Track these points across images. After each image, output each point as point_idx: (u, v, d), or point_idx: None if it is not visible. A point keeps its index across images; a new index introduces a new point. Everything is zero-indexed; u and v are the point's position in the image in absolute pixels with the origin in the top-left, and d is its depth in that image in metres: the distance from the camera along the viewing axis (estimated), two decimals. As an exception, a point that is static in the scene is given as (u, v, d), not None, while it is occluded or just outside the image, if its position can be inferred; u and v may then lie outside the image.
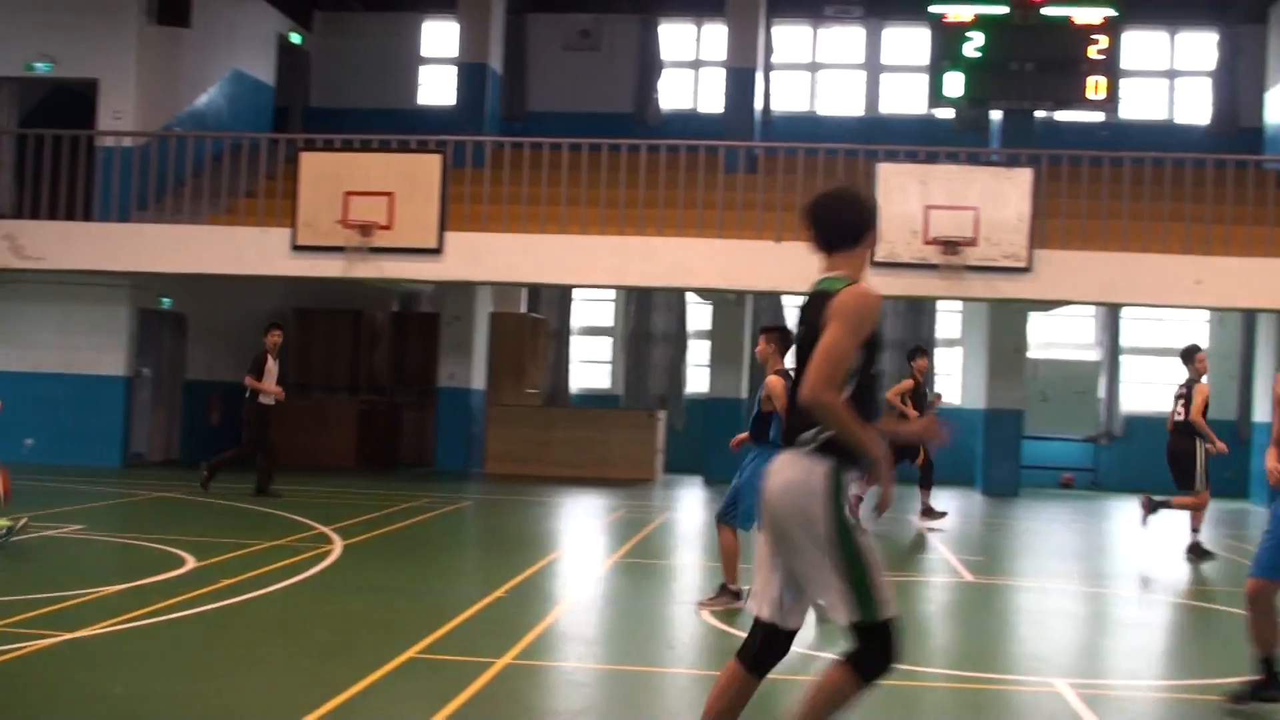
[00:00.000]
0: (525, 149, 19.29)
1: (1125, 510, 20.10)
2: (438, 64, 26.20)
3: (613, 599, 10.22)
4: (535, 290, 24.26)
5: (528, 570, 11.08)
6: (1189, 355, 13.80)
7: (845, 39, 25.28)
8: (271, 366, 16.35)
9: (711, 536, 14.78)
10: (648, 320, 24.50)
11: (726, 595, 9.60)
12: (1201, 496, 13.58)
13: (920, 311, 23.84)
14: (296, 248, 18.43)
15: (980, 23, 20.07)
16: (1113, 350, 24.14)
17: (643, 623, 9.33)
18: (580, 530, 15.39)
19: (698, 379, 24.32)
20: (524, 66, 25.19)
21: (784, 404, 8.45)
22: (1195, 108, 24.70)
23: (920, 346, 17.32)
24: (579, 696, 7.18)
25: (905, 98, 24.87)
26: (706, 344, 22.70)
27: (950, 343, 24.73)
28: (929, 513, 15.93)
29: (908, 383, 16.09)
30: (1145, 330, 24.62)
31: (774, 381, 9.11)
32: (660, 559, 12.82)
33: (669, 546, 13.91)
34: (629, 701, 7.14)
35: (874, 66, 25.10)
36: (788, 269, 18.33)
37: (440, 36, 26.11)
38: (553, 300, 24.79)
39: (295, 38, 25.39)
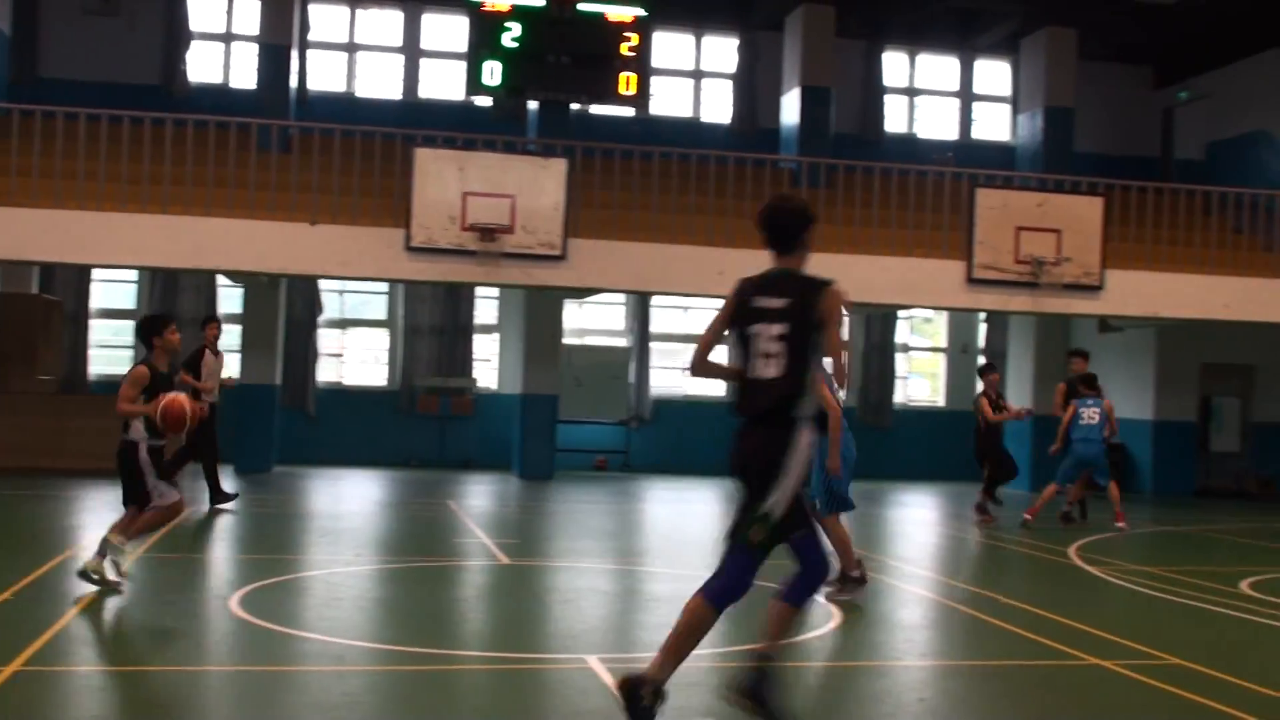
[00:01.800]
0: (37, 117, 17.89)
1: (655, 490, 20.95)
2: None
3: (134, 597, 9.60)
4: (49, 270, 22.57)
5: (37, 571, 10.26)
6: (982, 371, 17.22)
7: (384, 21, 24.97)
8: (211, 361, 15.50)
9: (242, 527, 14.27)
10: (173, 303, 23.25)
11: (851, 583, 10.25)
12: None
13: (458, 297, 23.91)
14: None
15: (517, 13, 20.30)
16: (643, 337, 25.07)
17: (165, 620, 8.81)
18: (99, 526, 14.42)
19: (229, 365, 23.40)
20: (36, 29, 23.38)
21: (832, 400, 9.91)
22: (719, 107, 26.00)
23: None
24: (93, 703, 6.67)
25: (444, 84, 24.86)
26: (238, 329, 21.89)
27: (488, 329, 24.96)
28: None
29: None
30: (673, 318, 25.76)
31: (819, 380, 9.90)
32: (190, 553, 12.19)
33: (200, 540, 13.26)
34: (149, 705, 6.71)
35: (413, 51, 24.93)
36: (323, 251, 17.93)
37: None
38: (69, 281, 23.15)
39: None
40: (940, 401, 27.06)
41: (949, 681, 7.93)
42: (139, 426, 9.65)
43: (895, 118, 26.73)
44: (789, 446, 5.93)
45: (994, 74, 27.42)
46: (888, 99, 26.39)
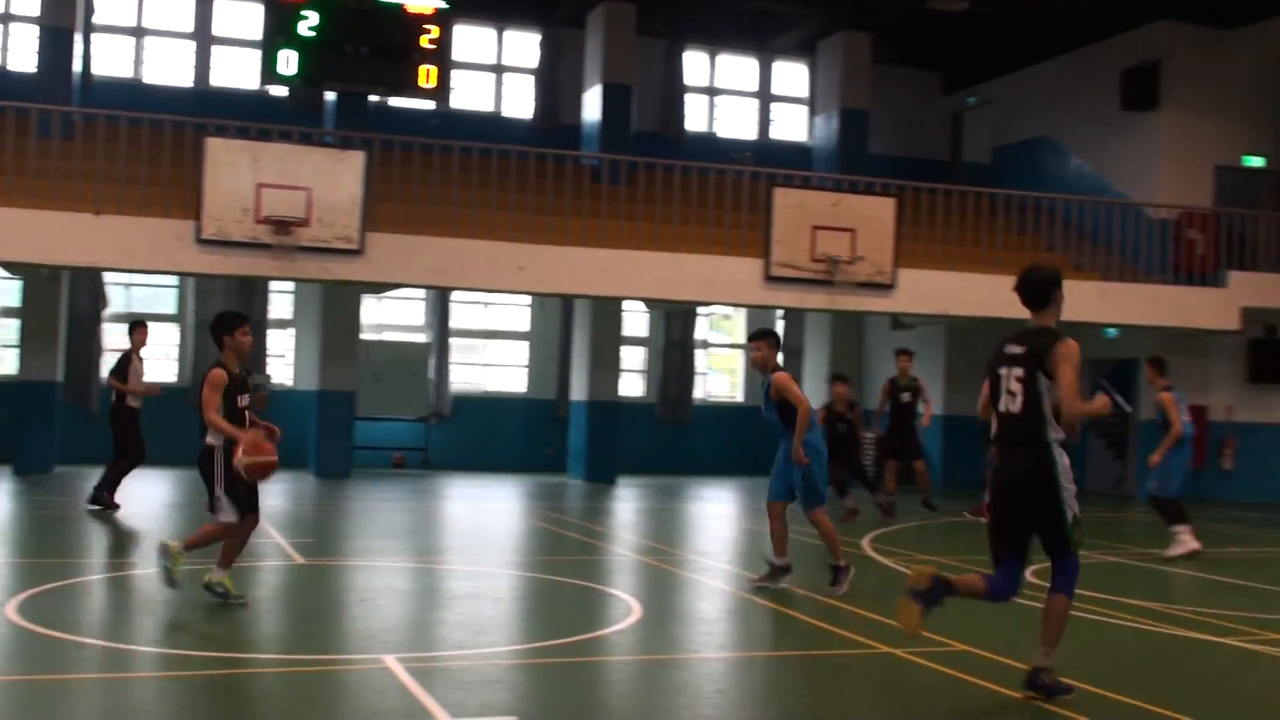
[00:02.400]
0: None
1: (454, 488, 20.76)
2: None
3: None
4: None
5: None
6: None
7: (173, 6, 24.18)
8: (138, 366, 14.99)
9: (20, 529, 13.65)
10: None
11: (843, 574, 10.51)
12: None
13: (252, 291, 23.32)
14: None
15: (314, 2, 19.83)
16: (443, 333, 24.82)
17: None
18: None
19: (6, 360, 22.42)
20: None
21: (800, 394, 10.35)
22: (520, 103, 25.90)
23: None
24: None
25: (238, 72, 24.21)
26: (16, 323, 20.95)
27: (283, 323, 24.40)
28: None
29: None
30: (472, 313, 25.56)
31: (786, 378, 10.40)
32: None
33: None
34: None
35: (205, 37, 24.20)
36: (107, 243, 17.26)
37: None
38: None
39: None
40: (739, 397, 27.44)
41: (746, 672, 8.01)
42: (216, 433, 9.15)
43: (695, 117, 27.01)
44: (1053, 465, 7.14)
45: (792, 76, 27.93)
46: (688, 98, 26.65)
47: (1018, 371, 7.23)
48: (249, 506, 9.24)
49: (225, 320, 9.51)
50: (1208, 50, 23.56)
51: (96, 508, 14.99)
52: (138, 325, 15.81)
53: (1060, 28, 24.50)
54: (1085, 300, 20.88)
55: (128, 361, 15.31)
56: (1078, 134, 25.11)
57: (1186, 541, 13.74)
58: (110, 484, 15.20)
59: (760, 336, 10.63)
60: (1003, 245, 22.03)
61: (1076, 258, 22.62)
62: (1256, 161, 23.66)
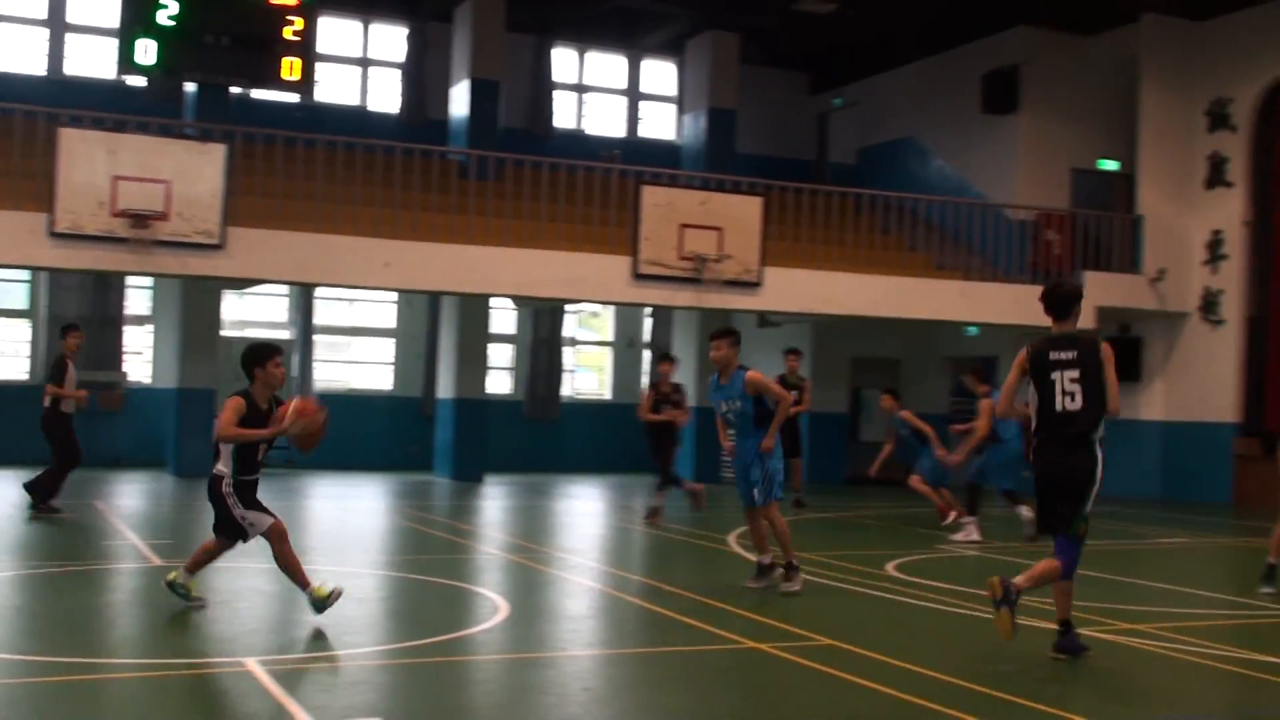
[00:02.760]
0: None
1: (318, 487, 20.45)
2: None
3: None
4: None
5: None
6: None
7: (25, -7, 23.46)
8: (72, 372, 14.33)
9: None
10: None
11: (795, 572, 10.50)
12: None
13: (108, 287, 22.72)
14: None
15: (174, -10, 19.38)
16: (306, 329, 24.44)
17: None
18: None
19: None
20: None
21: (780, 391, 10.57)
22: (387, 97, 25.60)
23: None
24: None
25: (94, 61, 23.56)
26: None
27: (141, 320, 23.82)
28: None
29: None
30: (337, 310, 25.22)
31: (760, 375, 10.55)
32: None
33: None
34: None
35: (59, 24, 23.51)
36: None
37: None
38: None
39: None
40: (607, 395, 27.46)
41: (613, 669, 8.00)
42: (226, 460, 8.74)
43: (564, 114, 26.96)
44: (1097, 462, 8.20)
45: (660, 74, 28.02)
46: (557, 95, 26.58)
47: (1072, 374, 8.13)
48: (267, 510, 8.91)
49: (257, 352, 8.92)
50: (1065, 56, 24.16)
51: (41, 513, 14.53)
52: (70, 329, 15.24)
53: (924, 32, 24.93)
54: (947, 299, 21.31)
55: (64, 367, 14.69)
56: (940, 136, 25.57)
57: (971, 532, 14.96)
58: (48, 490, 14.70)
59: (722, 335, 10.60)
60: (867, 245, 22.35)
61: (939, 257, 23.05)
62: (1110, 165, 24.32)
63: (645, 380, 26.51)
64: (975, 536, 14.97)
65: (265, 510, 8.89)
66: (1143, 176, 23.03)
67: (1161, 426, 23.09)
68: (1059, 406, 8.12)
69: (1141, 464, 23.10)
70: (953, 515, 15.96)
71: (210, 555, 9.10)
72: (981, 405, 15.08)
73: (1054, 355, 8.22)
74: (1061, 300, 8.50)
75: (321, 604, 8.68)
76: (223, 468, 8.77)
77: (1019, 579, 7.90)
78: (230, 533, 8.88)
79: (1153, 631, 9.34)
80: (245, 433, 8.65)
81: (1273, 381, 21.84)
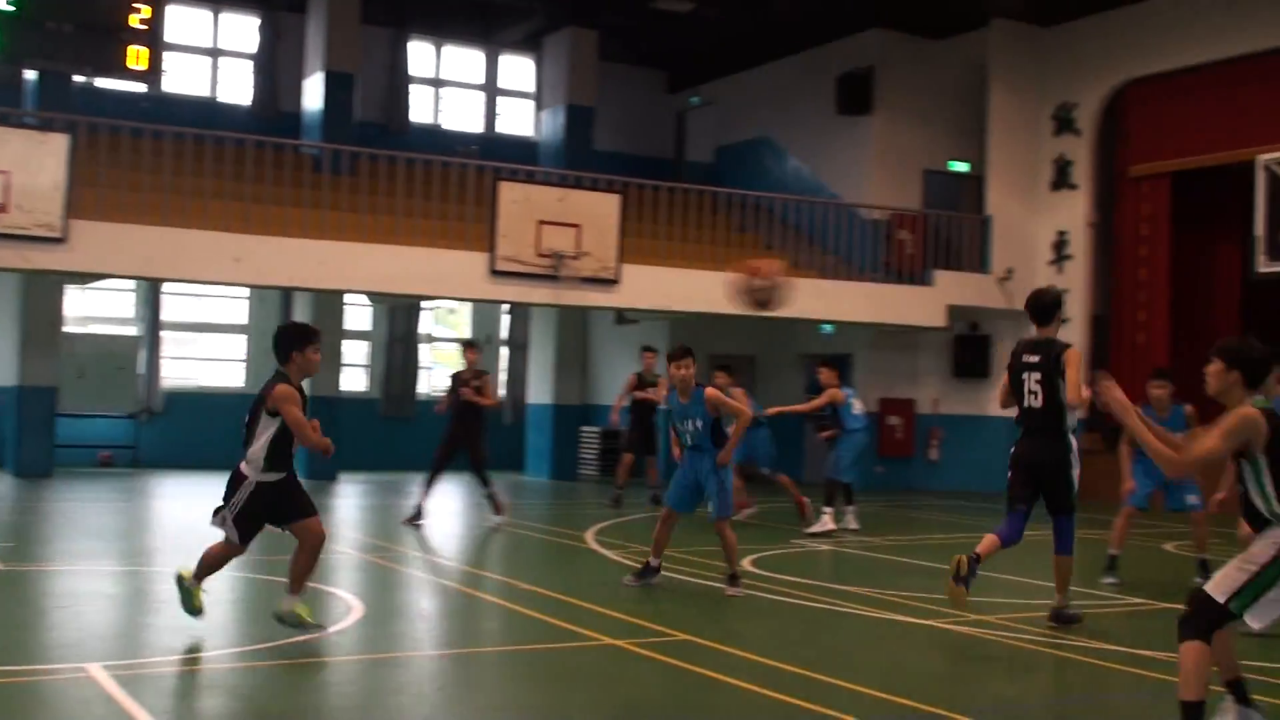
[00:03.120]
0: None
1: (165, 486, 19.97)
2: None
3: None
4: None
5: None
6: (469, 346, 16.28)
7: None
8: None
9: None
10: None
11: (737, 581, 10.44)
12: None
13: (-56, 281, 21.89)
14: None
15: (15, -25, 18.71)
16: (154, 325, 23.82)
17: None
18: None
19: None
20: None
21: (737, 406, 10.79)
22: (238, 88, 25.08)
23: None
24: None
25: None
26: None
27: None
28: None
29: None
30: (186, 305, 24.63)
31: (717, 392, 10.67)
32: None
33: None
34: None
35: (-110, 8, 22.56)
36: None
37: None
38: None
39: None
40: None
41: (469, 668, 7.92)
42: (258, 460, 8.09)
43: (421, 108, 26.68)
44: (1068, 449, 9.23)
45: (518, 70, 27.89)
46: (413, 89, 26.29)
47: (1036, 375, 9.19)
48: (249, 537, 8.25)
49: (296, 333, 8.18)
50: (917, 59, 24.60)
51: None
52: None
53: (780, 32, 25.17)
54: (803, 297, 21.44)
55: None
56: (796, 136, 25.86)
57: (826, 522, 15.39)
58: None
59: (685, 354, 10.54)
60: (724, 243, 22.49)
61: (794, 256, 23.29)
62: (961, 166, 24.83)
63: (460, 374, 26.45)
64: (829, 526, 15.26)
65: (255, 531, 8.20)
66: (991, 178, 23.55)
67: (1009, 422, 23.50)
68: (1026, 403, 9.25)
69: (992, 459, 23.53)
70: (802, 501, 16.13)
71: (221, 560, 8.41)
72: (828, 391, 15.52)
73: (1025, 359, 9.30)
74: (1043, 308, 9.47)
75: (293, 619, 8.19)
76: (249, 471, 8.15)
77: (980, 548, 9.01)
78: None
79: (1000, 622, 9.54)
80: (316, 437, 8.03)
81: (1115, 378, 22.47)
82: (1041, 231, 23.47)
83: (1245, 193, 17.77)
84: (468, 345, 16.68)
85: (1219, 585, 5.96)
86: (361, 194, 20.34)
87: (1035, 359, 9.21)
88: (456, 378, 16.15)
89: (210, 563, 8.35)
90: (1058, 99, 23.28)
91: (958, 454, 23.90)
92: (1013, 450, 9.46)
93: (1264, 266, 16.62)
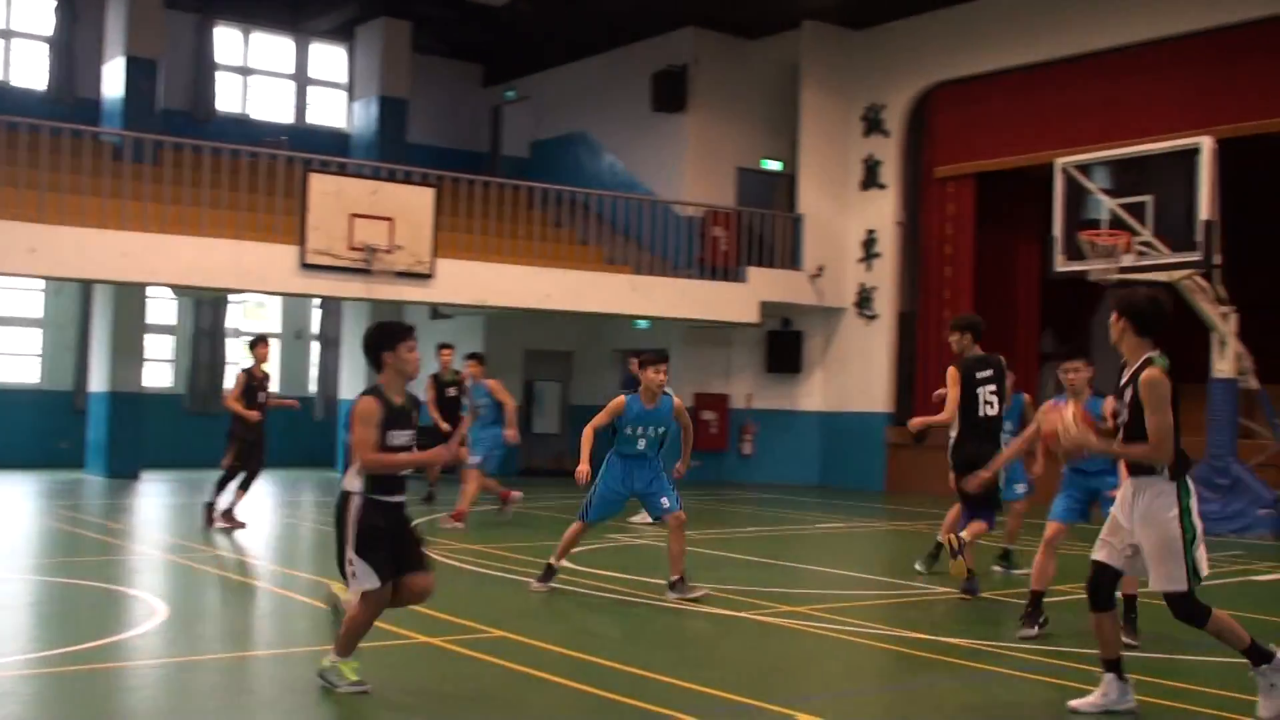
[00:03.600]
0: None
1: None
2: None
3: None
4: None
5: None
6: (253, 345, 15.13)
7: None
8: None
9: None
10: None
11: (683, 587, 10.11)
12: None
13: None
14: None
15: None
16: (-58, 320, 22.76)
17: None
18: None
19: None
20: None
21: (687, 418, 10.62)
22: (33, 72, 24.08)
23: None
24: None
25: None
26: None
27: None
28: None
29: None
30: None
31: (680, 404, 10.45)
32: None
33: None
34: None
35: None
36: None
37: None
38: None
39: None
40: (273, 387, 26.62)
41: (280, 670, 7.70)
42: (356, 473, 6.77)
43: (228, 97, 25.98)
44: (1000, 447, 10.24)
45: (330, 59, 27.38)
46: (220, 76, 25.58)
47: (992, 388, 10.47)
48: (395, 568, 6.86)
49: (382, 333, 6.98)
50: (731, 58, 24.87)
51: None
52: None
53: (596, 28, 25.20)
54: (618, 293, 21.59)
55: None
56: (611, 132, 25.91)
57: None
58: None
59: (664, 360, 10.23)
60: (540, 238, 22.41)
61: (609, 251, 23.35)
62: (774, 165, 25.20)
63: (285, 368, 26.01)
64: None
65: (388, 564, 6.81)
66: (803, 177, 23.95)
67: (820, 417, 24.07)
68: (981, 412, 10.40)
69: (801, 453, 24.04)
70: (515, 495, 15.95)
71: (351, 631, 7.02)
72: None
73: (979, 374, 10.49)
74: (982, 331, 10.79)
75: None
76: (353, 484, 6.84)
77: (964, 533, 10.15)
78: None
79: (811, 613, 9.67)
80: (396, 460, 6.78)
81: (922, 374, 23.08)
82: (851, 229, 23.95)
83: (1045, 194, 18.35)
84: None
85: (1172, 580, 6.42)
86: (165, 184, 19.70)
87: (989, 373, 10.56)
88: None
89: (356, 630, 7.06)
90: (867, 100, 23.78)
91: (771, 448, 24.25)
92: (960, 451, 10.42)
93: (1061, 266, 17.14)
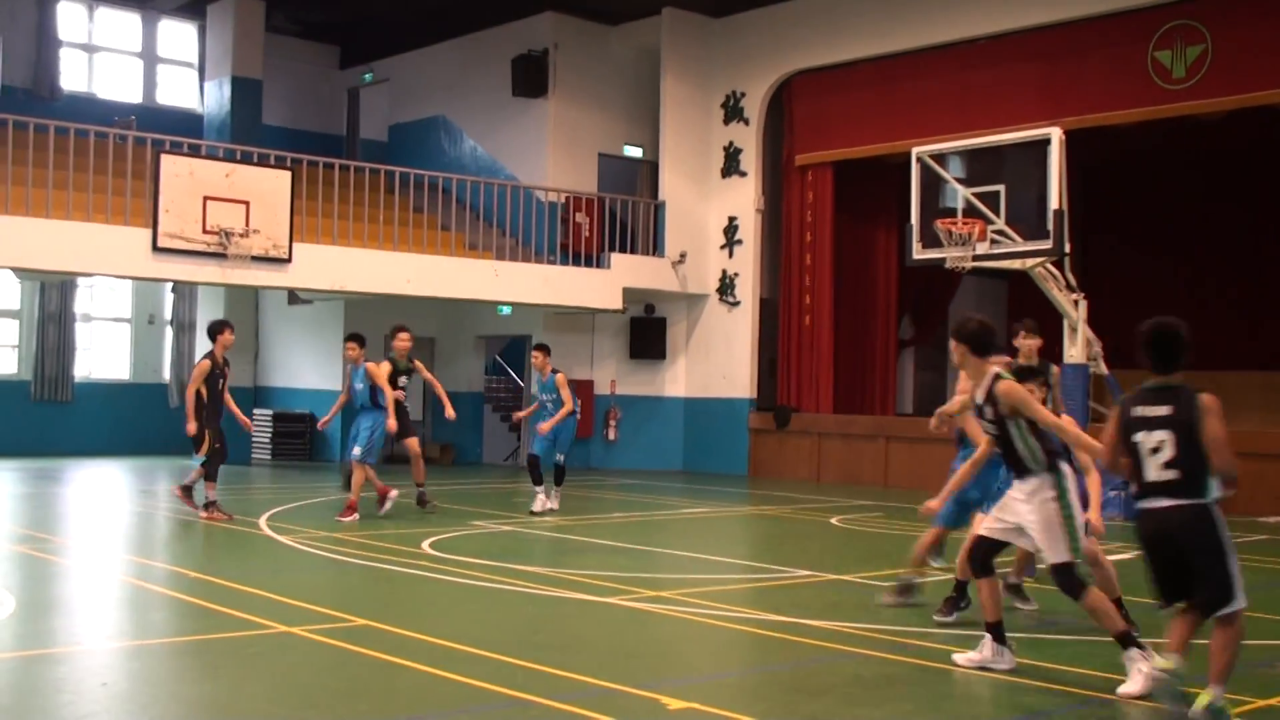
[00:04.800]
0: None
1: None
2: None
3: None
4: None
5: None
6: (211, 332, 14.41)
7: None
8: None
9: None
10: None
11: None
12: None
13: None
14: None
15: None
16: None
17: None
18: None
19: None
20: None
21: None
22: None
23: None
24: None
25: None
26: None
27: None
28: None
29: None
30: None
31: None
32: None
33: None
34: None
35: None
36: None
37: None
38: None
39: None
40: (125, 375, 26.00)
41: (135, 662, 7.50)
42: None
43: (73, 74, 25.20)
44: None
45: (180, 38, 26.71)
46: (64, 53, 24.78)
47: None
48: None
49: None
50: (592, 43, 24.81)
51: None
52: None
53: (455, 11, 24.94)
54: (479, 279, 21.43)
55: None
56: (472, 116, 25.69)
57: (543, 501, 15.72)
58: None
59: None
60: (400, 222, 22.09)
61: (471, 237, 23.15)
62: (635, 151, 25.23)
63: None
64: (552, 505, 15.71)
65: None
66: (665, 163, 24.00)
67: (684, 402, 24.19)
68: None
69: (665, 439, 24.14)
70: (393, 493, 15.07)
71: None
72: (559, 379, 15.70)
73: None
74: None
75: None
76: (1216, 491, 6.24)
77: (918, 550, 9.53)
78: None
79: (676, 598, 9.72)
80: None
81: (784, 359, 23.33)
82: (713, 216, 24.09)
83: (902, 183, 18.65)
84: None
85: (1056, 551, 7.03)
86: (7, 164, 19.00)
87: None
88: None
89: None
90: (727, 88, 23.92)
91: (634, 434, 24.31)
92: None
93: (918, 254, 17.43)
